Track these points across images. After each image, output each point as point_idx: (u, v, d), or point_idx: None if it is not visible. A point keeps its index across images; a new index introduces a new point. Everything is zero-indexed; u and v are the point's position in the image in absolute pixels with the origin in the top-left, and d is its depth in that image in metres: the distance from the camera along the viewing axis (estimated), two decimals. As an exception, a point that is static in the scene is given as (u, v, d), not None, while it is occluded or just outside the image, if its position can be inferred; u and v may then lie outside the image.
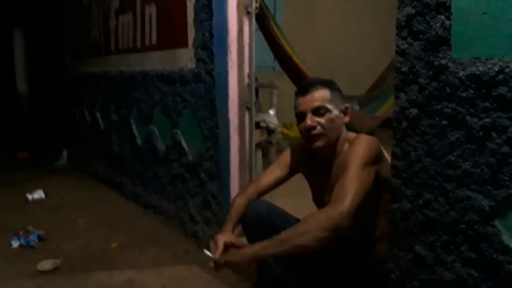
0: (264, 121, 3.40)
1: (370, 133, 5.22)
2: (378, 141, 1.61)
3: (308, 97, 1.61)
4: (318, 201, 1.81)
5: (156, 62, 3.02)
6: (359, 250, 1.64)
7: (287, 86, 5.00)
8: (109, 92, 3.83)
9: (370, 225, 1.65)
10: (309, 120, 1.59)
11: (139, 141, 3.37)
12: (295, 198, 2.44)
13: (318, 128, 1.59)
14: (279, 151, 4.04)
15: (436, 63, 1.29)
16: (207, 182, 2.53)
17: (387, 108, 5.28)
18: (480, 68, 1.18)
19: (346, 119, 1.66)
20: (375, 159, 1.55)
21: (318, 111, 1.59)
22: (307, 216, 1.44)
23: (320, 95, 1.60)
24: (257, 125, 3.45)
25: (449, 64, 1.25)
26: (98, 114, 4.16)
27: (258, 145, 3.53)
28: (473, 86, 1.20)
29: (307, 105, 1.60)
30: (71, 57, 4.89)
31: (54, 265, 2.44)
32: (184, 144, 2.75)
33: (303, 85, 1.65)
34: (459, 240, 1.28)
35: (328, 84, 1.64)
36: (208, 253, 1.59)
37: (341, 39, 7.40)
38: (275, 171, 1.82)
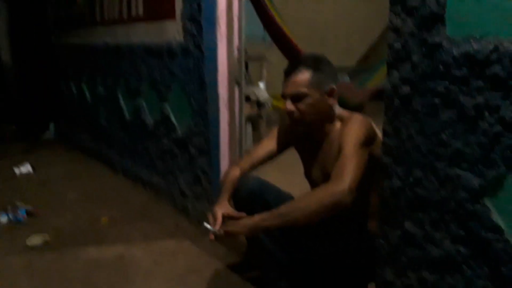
0: (254, 94, 3.37)
1: (361, 105, 5.24)
2: (371, 121, 1.60)
3: (288, 81, 1.58)
4: (309, 176, 1.81)
5: (143, 34, 2.95)
6: (353, 226, 1.65)
7: (277, 57, 4.94)
8: (95, 64, 3.75)
9: (363, 203, 1.66)
10: (287, 105, 1.58)
11: (127, 115, 3.33)
12: (287, 172, 2.44)
13: (296, 114, 1.58)
14: (270, 123, 4.03)
15: (429, 40, 1.26)
16: (197, 158, 2.51)
17: (377, 80, 5.27)
18: (474, 47, 1.16)
19: (332, 101, 1.62)
20: (369, 140, 1.54)
21: (296, 96, 1.57)
22: (308, 192, 1.45)
23: (300, 79, 1.56)
24: (247, 99, 3.42)
25: (443, 42, 1.23)
26: (84, 87, 4.08)
27: (248, 119, 3.51)
28: (467, 64, 1.18)
29: (286, 89, 1.59)
30: (55, 27, 4.76)
31: (44, 240, 2.44)
32: (173, 118, 2.71)
33: (289, 65, 1.62)
34: (448, 218, 1.30)
35: (314, 64, 1.58)
36: (207, 225, 1.58)
37: (331, 10, 7.30)
38: (268, 145, 1.82)
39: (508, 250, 1.15)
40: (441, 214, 1.31)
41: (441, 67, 1.25)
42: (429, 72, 1.28)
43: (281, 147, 1.82)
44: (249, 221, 1.50)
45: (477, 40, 1.16)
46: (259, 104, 3.39)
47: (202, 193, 2.51)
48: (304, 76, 1.56)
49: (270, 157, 1.82)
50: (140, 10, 2.93)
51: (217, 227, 1.56)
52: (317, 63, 1.60)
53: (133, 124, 3.24)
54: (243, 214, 1.60)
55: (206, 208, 2.45)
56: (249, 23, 2.35)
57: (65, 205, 2.99)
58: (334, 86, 1.61)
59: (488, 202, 1.19)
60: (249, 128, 3.54)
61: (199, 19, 2.33)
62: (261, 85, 3.50)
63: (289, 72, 1.59)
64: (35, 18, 5.08)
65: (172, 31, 2.60)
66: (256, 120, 3.57)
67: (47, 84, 5.14)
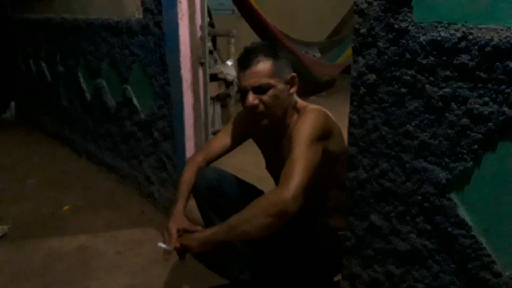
0: (222, 72, 3.25)
1: (332, 81, 5.18)
2: (326, 113, 1.53)
3: (248, 72, 1.45)
4: (271, 170, 1.75)
5: (101, 9, 2.78)
6: (311, 224, 1.60)
7: (246, 31, 4.80)
8: (54, 41, 3.55)
9: (321, 199, 1.61)
10: (250, 99, 1.45)
11: (88, 96, 3.17)
12: (255, 154, 2.35)
13: (261, 107, 1.47)
14: (238, 102, 3.93)
15: (396, 26, 1.19)
16: (161, 142, 2.41)
17: (348, 55, 5.21)
18: (442, 34, 1.10)
19: (293, 89, 1.53)
20: (323, 135, 1.47)
21: (259, 88, 1.45)
22: (254, 201, 1.37)
23: (262, 68, 1.45)
24: (215, 77, 3.31)
25: (410, 27, 1.16)
26: (43, 65, 3.87)
27: (216, 98, 3.41)
28: (434, 52, 1.12)
29: (248, 81, 1.46)
30: (12, 1, 4.47)
31: (2, 232, 2.32)
32: (135, 101, 2.59)
33: (243, 55, 1.49)
34: (414, 211, 1.26)
35: (272, 52, 1.48)
36: (163, 245, 1.49)
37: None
38: (224, 139, 1.73)
39: (474, 247, 1.12)
40: (407, 208, 1.27)
41: (407, 54, 1.18)
42: (396, 59, 1.21)
43: (238, 140, 1.73)
44: (200, 236, 1.42)
45: (445, 27, 1.09)
46: (227, 83, 3.29)
47: (168, 178, 2.42)
48: (265, 65, 1.45)
49: (226, 151, 1.74)
50: (97, -16, 2.76)
51: (172, 246, 1.46)
52: (274, 51, 1.49)
53: (95, 106, 3.10)
54: (198, 227, 1.51)
55: (172, 193, 2.37)
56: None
57: (25, 192, 2.86)
58: (294, 74, 1.53)
59: (454, 197, 1.15)
60: (217, 108, 3.45)
61: (158, -5, 2.19)
62: (229, 63, 3.38)
63: (246, 64, 1.46)
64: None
65: (131, 7, 2.45)
66: (224, 99, 3.47)
67: (5, 61, 4.87)
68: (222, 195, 1.63)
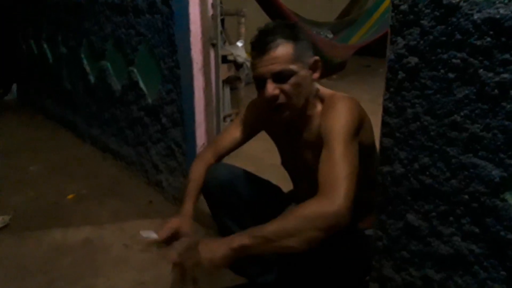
0: (232, 54, 3.09)
1: (343, 63, 5.00)
2: (357, 101, 1.34)
3: (267, 57, 1.25)
4: (288, 166, 1.58)
5: (105, -13, 2.62)
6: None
7: (254, 11, 4.61)
8: (55, 20, 3.39)
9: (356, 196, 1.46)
10: (270, 88, 1.26)
11: (92, 78, 3.03)
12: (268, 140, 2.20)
13: (282, 97, 1.28)
14: (248, 84, 3.77)
15: (444, 1, 1.04)
16: (170, 129, 2.27)
17: (360, 35, 5.02)
18: (501, 11, 0.94)
19: (316, 75, 1.35)
20: (359, 128, 1.30)
21: (281, 75, 1.27)
22: (296, 210, 1.16)
23: (282, 53, 1.26)
24: (224, 59, 3.14)
25: (462, 3, 1.01)
26: (45, 46, 3.72)
27: (225, 81, 3.25)
28: (491, 33, 0.97)
29: (266, 68, 1.26)
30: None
31: (3, 222, 2.22)
32: (141, 84, 2.45)
33: (259, 37, 1.29)
34: (460, 212, 1.12)
35: (292, 33, 1.29)
36: (146, 234, 1.30)
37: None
38: (235, 132, 1.55)
39: (532, 254, 0.99)
40: (452, 207, 1.13)
41: (458, 34, 1.03)
42: (443, 40, 1.06)
43: (251, 133, 1.56)
44: (223, 248, 1.13)
45: (505, 3, 0.94)
46: (237, 65, 3.12)
47: (177, 167, 2.29)
48: (286, 49, 1.26)
49: (237, 145, 1.56)
50: (100, -42, 2.59)
51: (162, 235, 1.30)
52: (294, 32, 1.30)
53: (99, 89, 2.95)
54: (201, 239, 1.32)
55: (181, 183, 2.25)
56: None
57: (27, 180, 2.74)
58: (317, 57, 1.34)
59: (509, 198, 1.01)
60: (227, 91, 3.29)
61: (167, -30, 2.03)
62: (239, 44, 3.21)
63: (263, 48, 1.26)
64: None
65: (137, -16, 2.29)
66: (234, 82, 3.31)
67: (7, 42, 4.71)
68: (235, 195, 1.48)
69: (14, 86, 4.91)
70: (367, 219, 1.33)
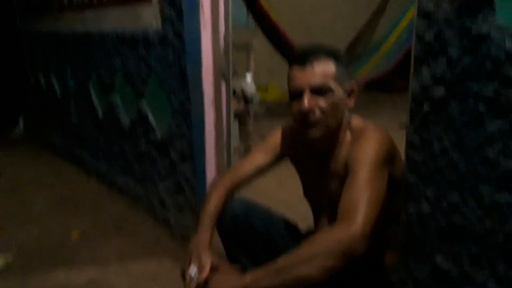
0: (241, 88, 3.06)
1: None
2: (389, 134, 1.31)
3: (308, 70, 1.24)
4: (310, 197, 1.51)
5: (115, 20, 2.62)
6: (366, 261, 1.36)
7: (261, 45, 4.64)
8: (65, 54, 3.39)
9: (379, 232, 1.38)
10: (307, 101, 1.24)
11: (100, 112, 3.00)
12: (278, 175, 2.10)
13: (317, 113, 1.25)
14: (257, 118, 3.73)
15: (473, 30, 0.99)
16: (179, 163, 2.21)
17: (367, 70, 5.01)
18: (537, 39, 0.89)
19: (351, 102, 1.33)
20: (389, 159, 1.25)
21: (320, 90, 1.25)
22: (311, 239, 1.12)
23: (324, 69, 1.25)
24: (232, 93, 3.11)
25: (492, 32, 0.96)
26: (53, 79, 3.72)
27: (234, 115, 3.21)
28: (526, 62, 0.91)
29: (306, 80, 1.24)
30: (21, 12, 4.34)
31: (5, 261, 2.13)
32: (151, 118, 2.40)
33: (303, 52, 1.29)
34: (494, 254, 1.03)
35: (334, 54, 1.28)
36: (192, 273, 1.24)
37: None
38: (257, 158, 1.48)
39: None
40: (485, 249, 1.05)
41: (489, 64, 0.97)
42: (472, 70, 1.00)
43: (275, 160, 1.49)
44: (238, 283, 1.13)
45: (540, 30, 0.88)
46: (246, 99, 3.09)
47: (185, 203, 2.21)
48: (328, 65, 1.25)
49: (259, 173, 1.49)
50: (112, -6, 2.59)
51: (202, 278, 1.22)
52: (336, 53, 1.29)
53: (107, 123, 2.91)
54: (235, 267, 1.28)
55: (190, 220, 2.16)
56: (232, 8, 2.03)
57: (32, 216, 2.67)
58: (353, 85, 1.32)
59: (551, 239, 0.93)
60: (235, 125, 3.25)
61: (179, 2, 2.01)
62: (248, 77, 3.19)
63: (305, 61, 1.25)
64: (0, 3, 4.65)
65: (149, 17, 2.28)
66: (243, 116, 3.27)
67: (15, 76, 4.73)
68: (249, 229, 1.41)
69: (21, 121, 4.90)
70: (394, 257, 1.24)
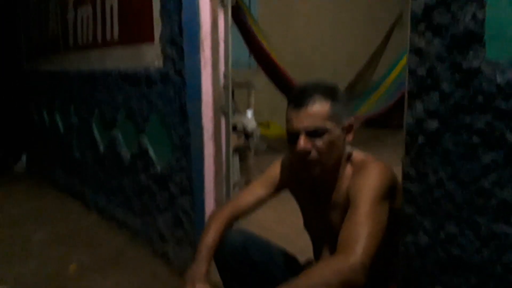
0: (241, 124, 3.10)
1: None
2: (391, 167, 1.33)
3: (303, 112, 1.27)
4: (310, 228, 1.52)
5: (119, 59, 2.69)
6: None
7: (263, 84, 4.73)
8: (68, 92, 3.46)
9: (382, 264, 1.38)
10: (303, 143, 1.26)
11: (101, 147, 3.03)
12: (277, 209, 2.14)
13: (313, 154, 1.28)
14: (258, 154, 3.76)
15: (464, 65, 1.02)
16: (178, 197, 2.22)
17: (367, 106, 5.08)
18: (526, 72, 0.92)
19: (350, 137, 1.35)
20: (390, 192, 1.27)
21: (314, 132, 1.27)
22: (310, 270, 1.14)
23: (318, 110, 1.27)
24: (233, 128, 3.15)
25: (483, 66, 0.99)
26: (57, 116, 3.77)
27: (235, 150, 3.24)
28: (516, 94, 0.94)
29: (301, 123, 1.27)
30: (27, 53, 4.47)
31: (1, 295, 2.10)
32: (151, 153, 2.43)
33: (298, 92, 1.32)
34: (493, 285, 1.03)
35: (330, 93, 1.31)
36: None
37: (318, 35, 7.16)
38: (257, 189, 1.51)
39: None
40: (484, 280, 1.04)
41: (480, 98, 1.00)
42: (464, 104, 1.03)
43: (275, 191, 1.52)
44: None
45: (530, 64, 0.92)
46: (247, 134, 3.13)
47: (184, 237, 2.21)
48: (323, 106, 1.27)
49: (259, 204, 1.51)
50: (116, 33, 2.68)
51: None
52: (333, 92, 1.32)
53: (108, 158, 2.94)
54: None
55: (189, 254, 2.15)
56: (234, 48, 2.10)
57: (30, 249, 2.65)
58: (352, 121, 1.35)
59: (549, 270, 0.93)
60: (236, 160, 3.27)
61: (180, 42, 2.08)
62: (249, 113, 3.25)
63: (300, 102, 1.28)
64: (6, 44, 4.78)
65: (151, 56, 2.35)
66: (244, 151, 3.29)
67: (19, 113, 4.81)
68: (247, 262, 1.41)
69: (24, 156, 4.93)
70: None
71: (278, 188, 1.52)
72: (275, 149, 4.70)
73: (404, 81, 1.18)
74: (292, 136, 1.29)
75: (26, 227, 3.03)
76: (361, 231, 1.13)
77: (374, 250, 1.13)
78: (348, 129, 1.34)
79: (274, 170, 1.53)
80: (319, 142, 1.27)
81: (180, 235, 2.25)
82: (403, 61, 5.12)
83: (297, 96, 1.30)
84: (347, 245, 1.12)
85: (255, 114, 3.43)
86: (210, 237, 1.41)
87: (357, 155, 1.38)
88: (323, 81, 1.36)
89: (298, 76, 5.00)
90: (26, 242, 2.77)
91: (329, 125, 1.27)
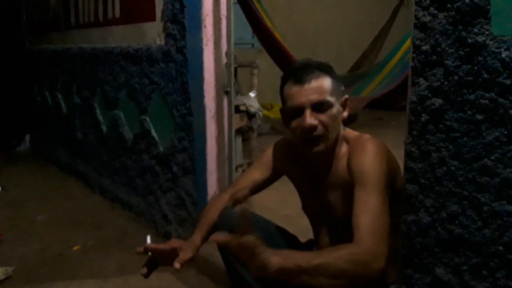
0: (244, 104, 3.08)
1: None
2: (384, 144, 1.31)
3: (306, 87, 1.24)
4: (309, 209, 1.51)
5: (121, 37, 2.66)
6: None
7: (266, 64, 4.69)
8: (70, 71, 3.44)
9: None
10: (309, 118, 1.23)
11: (104, 128, 3.02)
12: (281, 191, 2.10)
13: (320, 128, 1.25)
14: (261, 135, 3.74)
15: (469, 40, 1.00)
16: (181, 177, 2.22)
17: (372, 88, 5.05)
18: (532, 48, 0.90)
19: (346, 113, 1.33)
20: (390, 173, 1.26)
21: (320, 106, 1.24)
22: (341, 252, 1.10)
23: (322, 84, 1.25)
24: (237, 109, 3.13)
25: (488, 41, 0.97)
26: (59, 96, 3.76)
27: (237, 131, 3.22)
28: (521, 70, 0.92)
29: (306, 98, 1.24)
30: (29, 31, 4.43)
31: (6, 274, 2.12)
32: (153, 133, 2.42)
33: (297, 69, 1.29)
34: (494, 264, 1.02)
35: (328, 69, 1.29)
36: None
37: (321, 17, 7.07)
38: (256, 174, 1.50)
39: None
40: (485, 260, 1.04)
41: (485, 74, 0.98)
42: (469, 80, 1.01)
43: (273, 176, 1.51)
44: (274, 261, 1.04)
45: (536, 39, 0.89)
46: (250, 115, 3.11)
47: (187, 217, 2.21)
48: (325, 81, 1.25)
49: (258, 189, 1.49)
50: (117, 12, 2.65)
51: (158, 246, 1.34)
52: (330, 69, 1.31)
53: (111, 138, 2.93)
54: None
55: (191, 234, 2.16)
56: (237, 28, 2.07)
57: (34, 230, 2.67)
58: (347, 96, 1.34)
59: (551, 249, 0.92)
60: (239, 141, 3.26)
61: (182, 20, 2.05)
62: (252, 94, 3.22)
63: (302, 78, 1.25)
64: (7, 23, 4.74)
65: (152, 34, 2.32)
66: (246, 132, 3.28)
67: (21, 93, 4.80)
68: None
69: (27, 137, 4.94)
70: (393, 271, 1.23)
71: (277, 173, 1.51)
72: (278, 131, 4.68)
73: (408, 63, 1.16)
74: (296, 112, 1.26)
75: (29, 207, 3.05)
76: (379, 223, 1.14)
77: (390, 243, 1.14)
78: (343, 105, 1.32)
79: (269, 155, 1.51)
80: (324, 117, 1.24)
81: (183, 215, 2.25)
82: (408, 42, 5.07)
83: (297, 73, 1.27)
84: (370, 238, 1.11)
85: (258, 95, 3.40)
86: (209, 213, 1.43)
87: (350, 132, 1.37)
88: (318, 61, 1.33)
89: (301, 57, 4.97)
90: (30, 222, 2.79)
91: (332, 99, 1.26)
